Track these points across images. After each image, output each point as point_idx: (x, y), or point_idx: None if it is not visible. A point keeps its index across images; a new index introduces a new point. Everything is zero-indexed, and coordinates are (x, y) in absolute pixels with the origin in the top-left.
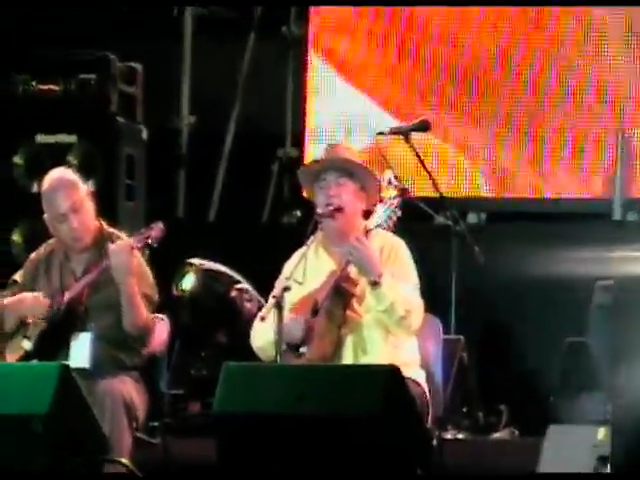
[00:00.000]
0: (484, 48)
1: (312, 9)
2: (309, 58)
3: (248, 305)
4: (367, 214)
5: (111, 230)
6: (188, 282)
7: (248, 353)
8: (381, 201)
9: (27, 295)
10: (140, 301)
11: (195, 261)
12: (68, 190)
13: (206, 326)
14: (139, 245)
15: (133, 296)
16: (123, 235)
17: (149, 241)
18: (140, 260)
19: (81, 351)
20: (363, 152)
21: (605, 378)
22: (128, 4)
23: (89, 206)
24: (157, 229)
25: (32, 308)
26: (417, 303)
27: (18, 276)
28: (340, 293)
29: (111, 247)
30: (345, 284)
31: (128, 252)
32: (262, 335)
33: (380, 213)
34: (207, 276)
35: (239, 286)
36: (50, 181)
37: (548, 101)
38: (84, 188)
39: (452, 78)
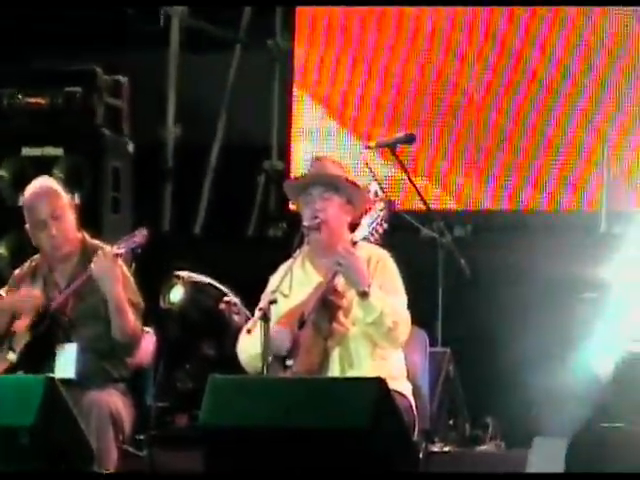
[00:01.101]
0: (471, 59)
1: (297, 28)
2: (295, 70)
3: (236, 318)
4: (353, 227)
5: (94, 242)
6: (176, 295)
7: (236, 366)
8: (367, 213)
9: (18, 292)
10: (128, 308)
11: (183, 274)
12: (49, 197)
13: (193, 339)
14: (123, 251)
15: (121, 302)
16: (107, 246)
17: (133, 247)
18: (124, 268)
19: (66, 362)
20: (349, 165)
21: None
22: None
23: (70, 216)
24: (140, 235)
25: (25, 299)
26: (404, 315)
27: (2, 291)
28: (327, 305)
29: (95, 257)
30: (332, 296)
31: (112, 260)
32: (248, 348)
33: (366, 225)
34: (195, 289)
35: (227, 299)
36: (31, 189)
37: (535, 114)
38: (66, 197)
39: (437, 92)
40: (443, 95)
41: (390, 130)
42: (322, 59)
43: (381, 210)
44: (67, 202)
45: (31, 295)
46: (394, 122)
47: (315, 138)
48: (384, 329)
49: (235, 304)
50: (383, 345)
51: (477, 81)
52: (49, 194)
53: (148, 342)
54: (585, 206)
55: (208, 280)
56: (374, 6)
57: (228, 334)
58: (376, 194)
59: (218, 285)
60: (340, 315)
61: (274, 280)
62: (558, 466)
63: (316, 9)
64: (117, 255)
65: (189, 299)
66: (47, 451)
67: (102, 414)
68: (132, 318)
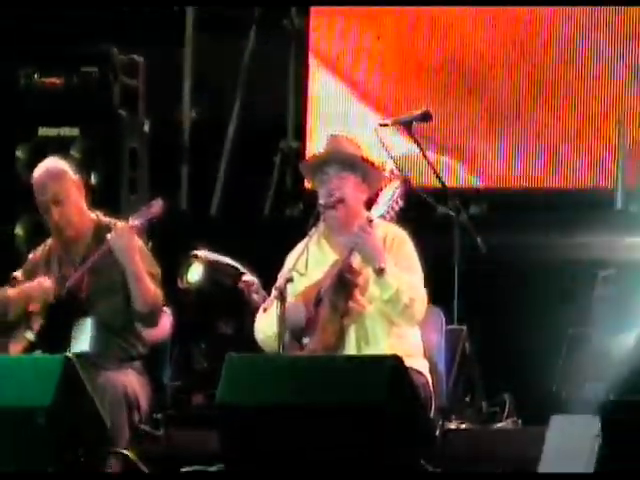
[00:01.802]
0: (481, 44)
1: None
2: (310, 50)
3: (256, 297)
4: (370, 204)
5: (108, 219)
6: (195, 274)
7: (253, 345)
8: (383, 191)
9: (32, 282)
10: (146, 276)
11: (201, 253)
12: (51, 181)
13: (211, 318)
14: (140, 222)
15: (140, 271)
16: (120, 222)
17: (149, 218)
18: (139, 241)
19: (82, 336)
20: (365, 142)
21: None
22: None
23: (75, 198)
24: (157, 206)
25: (38, 290)
26: (421, 293)
27: (18, 273)
28: (343, 283)
29: (112, 233)
30: (348, 274)
31: (129, 233)
32: (265, 327)
33: (382, 203)
34: (214, 268)
35: (246, 278)
36: (37, 171)
37: (546, 93)
38: (71, 180)
39: (454, 71)
40: (464, 72)
41: (408, 107)
42: (342, 34)
43: (397, 188)
44: (72, 184)
45: (44, 287)
46: (412, 99)
47: (331, 117)
48: (400, 306)
49: (253, 283)
50: (399, 323)
51: (496, 58)
52: (51, 178)
53: (165, 321)
54: (601, 183)
55: (227, 259)
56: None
57: (247, 313)
58: (392, 172)
59: (236, 264)
60: (356, 293)
61: (291, 259)
62: (575, 444)
63: None
64: (133, 227)
65: (208, 278)
66: (64, 431)
67: (116, 395)
68: (152, 286)
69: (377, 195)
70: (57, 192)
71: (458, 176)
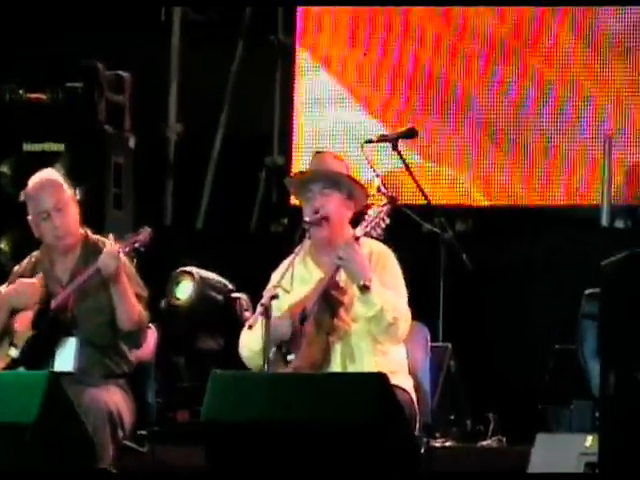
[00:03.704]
0: (468, 58)
1: (299, 13)
2: (297, 66)
3: (247, 314)
4: (356, 222)
5: (96, 237)
6: (185, 290)
7: (240, 361)
8: (370, 209)
9: (10, 287)
10: (133, 295)
11: (192, 270)
12: (53, 189)
13: (198, 334)
14: (126, 250)
15: (126, 291)
16: (108, 241)
17: (136, 246)
18: (126, 261)
19: (66, 356)
20: (350, 160)
21: (594, 386)
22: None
23: (73, 209)
24: (144, 234)
25: (21, 294)
26: (404, 311)
27: (2, 288)
28: (328, 300)
29: (102, 255)
30: (334, 292)
31: (116, 257)
32: (250, 344)
33: (368, 221)
34: (205, 284)
35: (235, 295)
36: (35, 180)
37: (532, 108)
38: (69, 191)
39: (436, 87)
40: (449, 89)
41: (395, 121)
42: (329, 49)
43: (384, 206)
44: (70, 195)
45: (28, 286)
46: (400, 114)
47: (317, 133)
48: (384, 324)
49: (243, 300)
50: (383, 340)
51: (481, 76)
52: (53, 186)
53: (150, 339)
54: (586, 200)
55: (215, 276)
56: (375, 6)
57: (234, 330)
58: (379, 189)
59: (224, 281)
60: (342, 311)
61: (276, 276)
62: (561, 463)
63: None
64: (120, 252)
65: (198, 295)
66: (49, 448)
67: (100, 413)
68: (138, 306)
69: (364, 212)
70: (58, 200)
71: (443, 193)
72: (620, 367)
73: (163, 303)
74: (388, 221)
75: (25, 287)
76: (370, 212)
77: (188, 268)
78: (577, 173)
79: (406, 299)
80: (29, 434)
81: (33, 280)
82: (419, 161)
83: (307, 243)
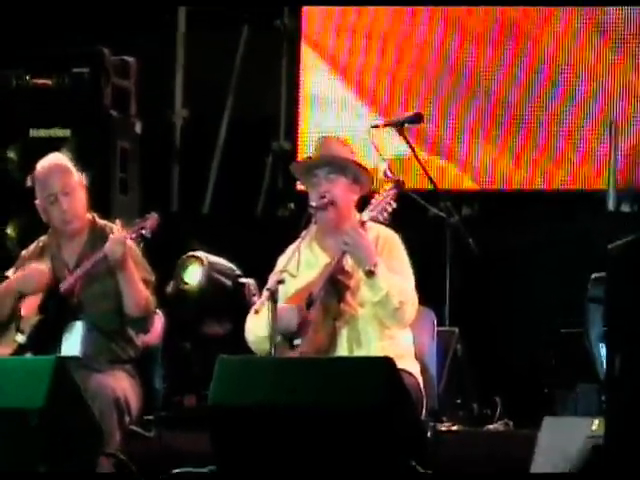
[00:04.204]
0: (474, 43)
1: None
2: (302, 51)
3: (255, 299)
4: (362, 206)
5: (104, 222)
6: (193, 275)
7: (247, 346)
8: (376, 193)
9: (19, 272)
10: (140, 280)
11: (201, 254)
12: (61, 173)
13: (205, 319)
14: (133, 236)
15: (133, 278)
16: (116, 226)
17: (143, 232)
18: (133, 246)
19: (73, 340)
20: (356, 144)
21: (600, 369)
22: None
23: (81, 193)
24: (152, 219)
25: (29, 279)
26: (411, 296)
27: (10, 273)
28: (335, 285)
29: (108, 242)
30: (340, 276)
31: (123, 244)
32: (256, 329)
33: (375, 205)
34: (213, 269)
35: (243, 280)
36: (43, 164)
37: (538, 93)
38: (77, 175)
39: (442, 72)
40: (458, 72)
41: (402, 106)
42: (335, 33)
43: (390, 190)
44: (78, 180)
45: (36, 272)
46: (407, 98)
47: (323, 118)
48: (390, 309)
49: (252, 285)
50: (390, 325)
51: (487, 61)
52: (62, 170)
53: (157, 324)
54: (592, 185)
55: (223, 261)
56: (375, 6)
57: (245, 315)
58: (385, 174)
59: (232, 266)
60: (348, 295)
61: (282, 260)
62: (567, 446)
63: None
64: (127, 238)
65: (207, 280)
66: (56, 433)
67: (106, 399)
68: (145, 291)
69: (370, 197)
70: (66, 184)
71: (450, 177)
72: (626, 351)
73: (170, 288)
74: (395, 205)
75: (33, 273)
76: (377, 197)
77: (196, 253)
78: (583, 158)
79: (413, 283)
80: (36, 419)
81: (42, 266)
82: (425, 145)
83: (313, 228)
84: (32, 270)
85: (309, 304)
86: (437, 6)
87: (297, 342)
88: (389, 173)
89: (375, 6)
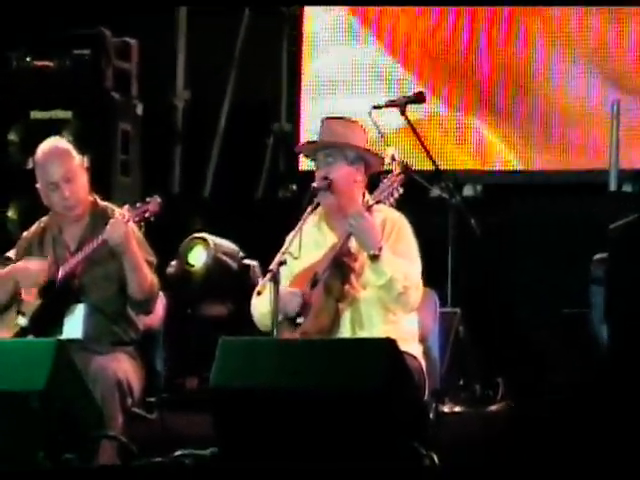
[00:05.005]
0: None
1: None
2: (304, 33)
3: (260, 280)
4: (370, 190)
5: (105, 204)
6: (199, 257)
7: (249, 328)
8: (384, 177)
9: (18, 264)
10: (144, 264)
11: (207, 236)
12: (61, 159)
13: (210, 301)
14: (136, 220)
15: (137, 259)
16: (117, 208)
17: (146, 215)
18: (134, 228)
19: (74, 322)
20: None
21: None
22: None
23: (82, 177)
24: (154, 203)
25: (24, 272)
26: (416, 281)
27: (11, 254)
28: (339, 267)
29: (108, 226)
30: (345, 258)
31: (124, 226)
32: (259, 306)
33: (382, 189)
34: (219, 251)
35: (248, 262)
36: (44, 150)
37: (540, 74)
38: (78, 158)
39: (440, 55)
40: (459, 53)
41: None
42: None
43: (398, 175)
44: (79, 163)
45: (37, 268)
46: (412, 79)
47: (325, 99)
48: (394, 293)
49: (256, 267)
50: (394, 309)
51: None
52: (62, 155)
53: (159, 307)
54: (594, 165)
55: (227, 242)
56: (375, 6)
57: (250, 297)
58: (393, 158)
59: (236, 247)
60: (352, 277)
61: (287, 241)
62: None
63: None
64: (128, 220)
65: (213, 261)
66: (57, 415)
67: (108, 381)
68: (149, 273)
69: (378, 180)
70: (68, 170)
71: (452, 158)
72: (628, 331)
73: (173, 269)
74: (401, 191)
75: (34, 267)
76: (384, 181)
77: (202, 234)
78: (586, 138)
79: (419, 268)
80: (37, 401)
81: (43, 261)
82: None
83: (321, 208)
84: (33, 265)
85: (313, 284)
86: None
87: (300, 320)
88: (397, 157)
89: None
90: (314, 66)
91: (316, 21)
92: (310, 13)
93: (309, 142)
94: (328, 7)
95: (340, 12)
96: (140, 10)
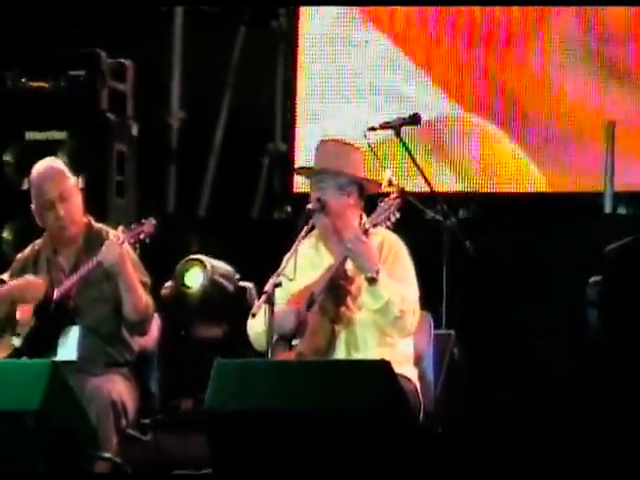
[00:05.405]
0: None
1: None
2: (299, 52)
3: (256, 302)
4: (367, 213)
5: (100, 225)
6: (195, 278)
7: (244, 349)
8: (381, 201)
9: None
10: (139, 285)
11: (202, 257)
12: (56, 178)
13: (205, 322)
14: (131, 241)
15: (132, 281)
16: (112, 230)
17: (141, 237)
18: (129, 249)
19: (69, 344)
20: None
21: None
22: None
23: (77, 198)
24: (149, 225)
25: (26, 287)
26: (413, 305)
27: (5, 276)
28: (335, 289)
29: (103, 248)
30: (341, 280)
31: (119, 248)
32: (255, 326)
33: (379, 213)
34: (215, 272)
35: (244, 284)
36: (39, 170)
37: (536, 96)
38: (72, 179)
39: (436, 71)
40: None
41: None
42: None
43: (395, 199)
44: (74, 184)
45: (32, 284)
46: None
47: (320, 119)
48: (391, 317)
49: (252, 289)
50: (391, 333)
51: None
52: (57, 175)
53: (153, 326)
54: (589, 187)
55: (223, 264)
56: (375, 6)
57: (246, 319)
58: (390, 182)
59: (231, 269)
60: (348, 300)
61: (284, 262)
62: None
63: None
64: (123, 242)
65: (209, 283)
66: (53, 435)
67: (103, 402)
68: (144, 294)
69: (376, 204)
70: (63, 189)
71: (446, 180)
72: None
73: (167, 290)
74: (398, 216)
75: (30, 286)
76: (382, 204)
77: (198, 256)
78: (581, 160)
79: (416, 292)
80: (33, 421)
81: (39, 280)
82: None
83: (317, 230)
84: (30, 283)
85: (309, 304)
86: (437, 6)
87: (295, 342)
88: (394, 181)
89: (375, 6)
90: (310, 85)
91: (311, 36)
92: (305, 29)
93: (302, 168)
94: (323, 27)
95: (336, 31)
96: (135, 10)
